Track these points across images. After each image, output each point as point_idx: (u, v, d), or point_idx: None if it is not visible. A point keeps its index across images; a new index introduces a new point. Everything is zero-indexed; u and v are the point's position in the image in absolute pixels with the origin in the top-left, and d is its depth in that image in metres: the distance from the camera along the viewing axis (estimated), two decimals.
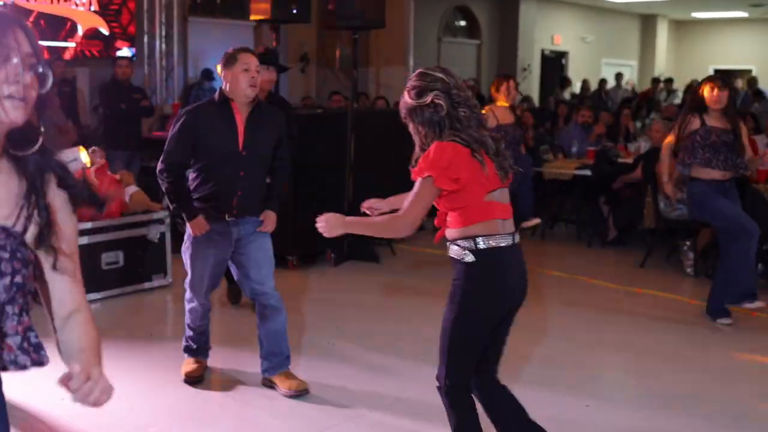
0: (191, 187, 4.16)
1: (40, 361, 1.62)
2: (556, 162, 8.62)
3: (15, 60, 1.49)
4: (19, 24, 1.53)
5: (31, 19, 9.49)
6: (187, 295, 4.35)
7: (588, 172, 8.19)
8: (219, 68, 4.15)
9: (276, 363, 4.26)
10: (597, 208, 8.37)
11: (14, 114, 1.49)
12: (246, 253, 4.19)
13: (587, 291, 6.59)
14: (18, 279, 1.54)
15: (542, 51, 18.38)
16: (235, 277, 4.37)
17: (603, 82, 16.93)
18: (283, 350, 4.28)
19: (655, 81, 17.96)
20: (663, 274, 7.05)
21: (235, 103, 4.06)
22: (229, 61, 4.03)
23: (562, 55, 19.30)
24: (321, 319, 5.59)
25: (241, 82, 3.99)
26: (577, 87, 17.65)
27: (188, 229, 4.18)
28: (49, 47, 9.59)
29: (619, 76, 17.26)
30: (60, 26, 9.78)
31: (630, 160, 8.25)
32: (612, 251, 8.01)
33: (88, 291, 5.69)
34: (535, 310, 5.97)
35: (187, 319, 4.39)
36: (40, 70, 1.53)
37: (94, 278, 5.85)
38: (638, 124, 11.72)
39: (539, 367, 4.76)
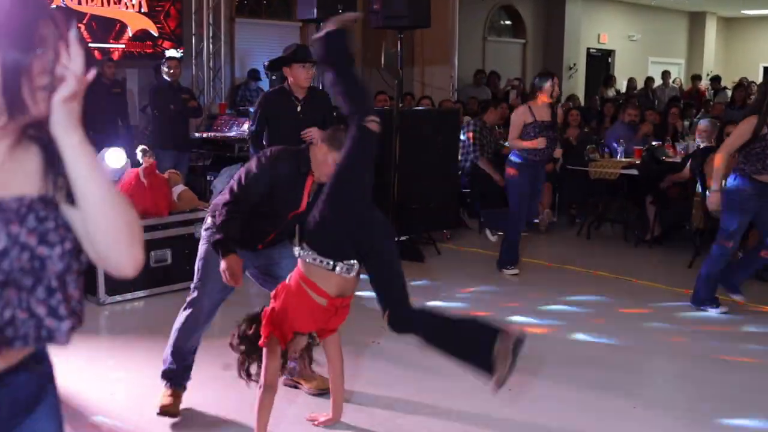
0: None
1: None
2: (603, 161, 8.54)
3: (50, 50, 1.47)
4: (50, 11, 1.50)
5: (84, 21, 9.68)
6: (190, 297, 3.97)
7: (635, 172, 8.10)
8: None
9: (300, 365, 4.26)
10: (643, 208, 8.29)
11: (44, 106, 1.48)
12: (278, 261, 4.08)
13: (633, 292, 6.52)
14: (68, 245, 1.56)
15: (588, 50, 18.22)
16: (266, 287, 4.12)
17: (649, 80, 16.72)
18: None
19: (696, 78, 17.62)
20: None
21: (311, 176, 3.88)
22: (332, 141, 3.76)
23: (609, 53, 19.11)
24: (366, 318, 5.59)
25: (321, 168, 3.76)
26: (623, 85, 17.46)
27: (207, 245, 3.85)
28: (99, 48, 9.76)
29: (665, 75, 17.03)
30: (110, 28, 9.95)
31: (678, 159, 8.16)
32: (659, 252, 7.92)
33: (137, 289, 5.81)
34: (581, 311, 5.94)
35: (176, 334, 4.00)
36: (66, 57, 1.49)
37: (142, 276, 5.89)
38: (686, 123, 11.57)
39: (585, 369, 4.73)
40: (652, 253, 7.93)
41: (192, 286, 3.98)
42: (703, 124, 7.96)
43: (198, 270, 3.95)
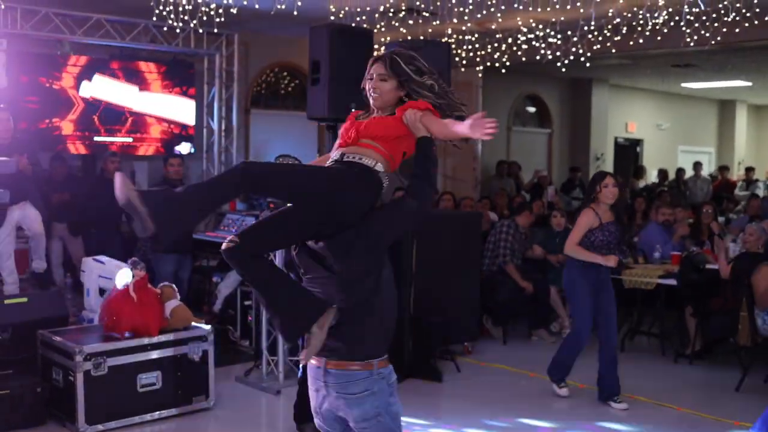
0: None
1: None
2: (637, 269, 7.86)
3: None
4: None
5: (98, 113, 9.39)
6: None
7: (673, 282, 7.43)
8: None
9: None
10: (683, 320, 7.64)
11: None
12: None
13: (677, 423, 5.82)
14: None
15: (615, 139, 17.72)
16: None
17: (680, 171, 16.16)
18: None
19: (724, 169, 17.19)
20: (763, 401, 6.16)
21: None
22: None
23: (637, 142, 18.60)
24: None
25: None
26: (652, 175, 16.90)
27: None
28: (103, 142, 9.41)
29: (697, 166, 16.37)
30: (116, 119, 9.62)
31: (718, 267, 7.50)
32: (702, 369, 7.22)
33: (122, 416, 5.19)
34: None
35: None
36: None
37: (128, 402, 5.37)
38: (721, 219, 10.91)
39: None
40: (694, 370, 7.22)
41: None
42: (750, 228, 7.27)
43: None
